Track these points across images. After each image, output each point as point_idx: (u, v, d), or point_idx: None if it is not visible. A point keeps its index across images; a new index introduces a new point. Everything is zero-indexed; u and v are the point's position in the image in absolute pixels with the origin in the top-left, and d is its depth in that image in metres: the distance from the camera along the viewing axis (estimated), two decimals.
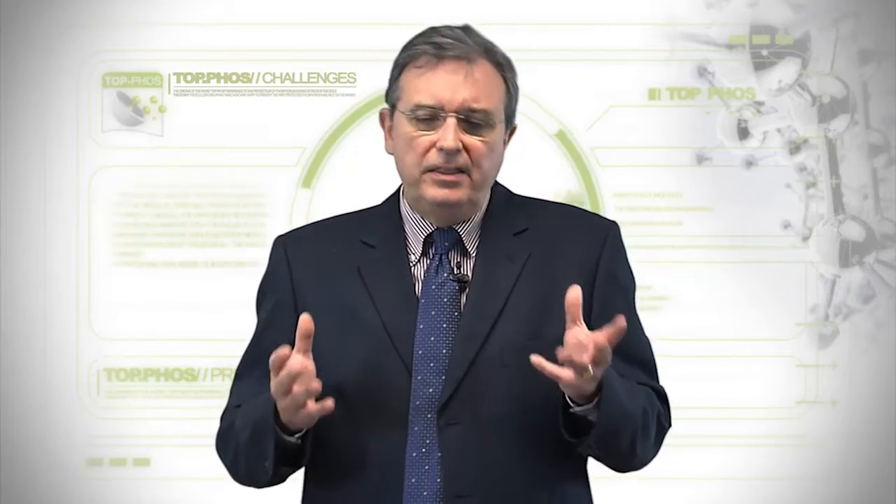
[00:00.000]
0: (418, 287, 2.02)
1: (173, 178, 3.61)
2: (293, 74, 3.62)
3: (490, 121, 2.01)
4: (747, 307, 3.59)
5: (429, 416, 1.96)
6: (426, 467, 1.96)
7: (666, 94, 3.62)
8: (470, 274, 2.03)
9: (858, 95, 3.61)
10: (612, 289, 2.05)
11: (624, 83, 3.61)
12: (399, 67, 2.05)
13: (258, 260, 3.51)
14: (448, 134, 1.98)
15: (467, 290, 2.02)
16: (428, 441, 1.96)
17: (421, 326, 1.99)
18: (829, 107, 3.62)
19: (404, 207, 2.09)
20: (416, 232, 2.07)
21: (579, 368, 1.84)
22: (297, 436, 1.95)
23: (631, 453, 1.98)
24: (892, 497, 3.56)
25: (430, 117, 2.00)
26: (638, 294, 2.14)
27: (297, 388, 1.87)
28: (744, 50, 3.62)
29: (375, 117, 2.14)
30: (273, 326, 2.08)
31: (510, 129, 2.09)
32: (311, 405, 1.88)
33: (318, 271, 2.07)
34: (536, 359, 1.85)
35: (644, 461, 2.04)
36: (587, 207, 3.57)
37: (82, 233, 3.58)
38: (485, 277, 2.02)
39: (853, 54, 3.61)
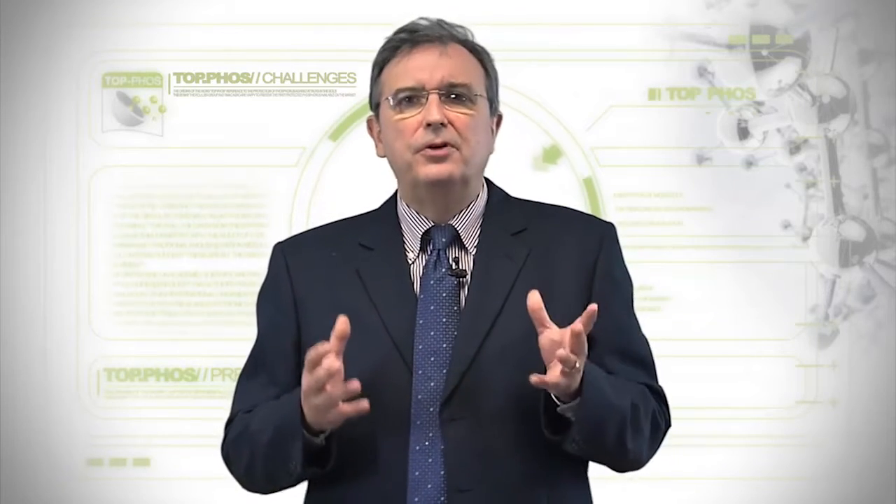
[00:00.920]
0: (417, 284, 2.04)
1: (173, 179, 3.61)
2: (293, 74, 3.62)
3: (471, 94, 2.04)
4: (747, 307, 3.59)
5: (431, 409, 1.97)
6: (430, 460, 1.97)
7: (666, 94, 3.62)
8: (469, 270, 2.04)
9: (858, 95, 3.61)
10: (609, 289, 2.06)
11: (624, 83, 3.61)
12: (378, 67, 2.10)
13: (258, 259, 3.54)
14: (432, 108, 2.01)
15: (466, 285, 2.03)
16: (431, 434, 1.97)
17: (420, 322, 2.00)
18: (829, 107, 3.62)
19: (401, 207, 2.11)
20: (413, 230, 2.08)
21: (566, 363, 1.84)
22: (321, 437, 1.95)
23: (620, 448, 1.98)
24: (892, 497, 3.56)
25: (413, 99, 2.03)
26: (638, 294, 2.14)
27: (331, 387, 1.87)
28: (744, 50, 3.62)
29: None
30: (274, 333, 2.09)
31: (496, 114, 2.12)
32: (345, 406, 1.89)
33: (317, 276, 2.08)
34: (536, 378, 1.87)
35: (640, 458, 2.03)
36: (586, 208, 3.57)
37: (82, 233, 3.58)
38: (484, 274, 2.04)
39: (853, 54, 3.61)
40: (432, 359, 1.98)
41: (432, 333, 1.99)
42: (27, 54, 3.57)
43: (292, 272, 2.10)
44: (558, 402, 1.93)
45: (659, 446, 2.07)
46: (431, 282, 2.03)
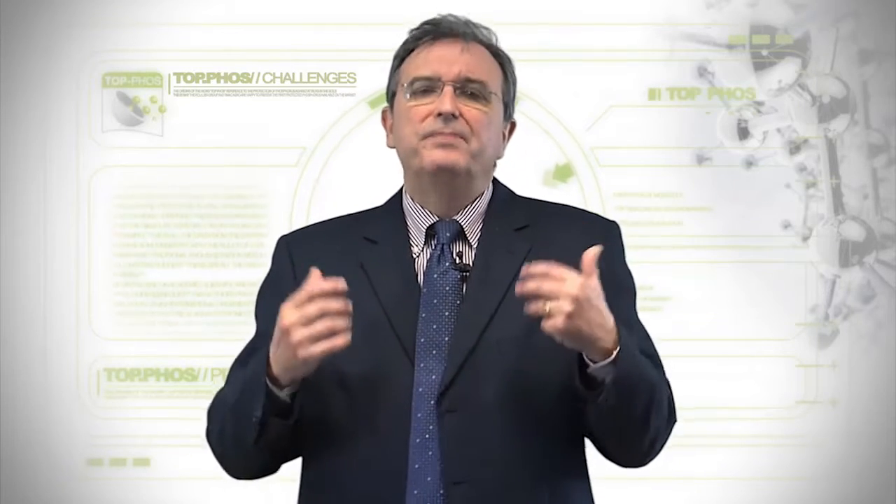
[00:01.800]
0: (421, 277, 2.04)
1: (173, 179, 3.61)
2: (293, 74, 3.62)
3: (486, 93, 2.05)
4: (747, 307, 3.59)
5: (431, 402, 1.97)
6: (429, 453, 1.96)
7: (666, 94, 3.62)
8: (471, 264, 2.05)
9: (858, 95, 3.61)
10: (612, 287, 2.05)
11: (624, 83, 3.61)
12: (399, 58, 2.11)
13: (258, 256, 3.54)
14: (445, 99, 2.02)
15: (468, 279, 2.03)
16: (431, 427, 1.97)
17: (423, 315, 2.00)
18: (829, 107, 3.62)
19: (406, 201, 2.11)
20: (418, 224, 2.09)
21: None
22: (287, 390, 1.94)
23: (645, 420, 1.96)
24: (892, 497, 3.56)
25: (428, 89, 2.04)
26: (638, 294, 2.14)
27: (331, 324, 1.86)
28: (744, 50, 3.62)
29: (375, 117, 2.15)
30: (273, 319, 2.07)
31: (509, 120, 2.13)
32: (320, 345, 1.86)
33: (321, 266, 2.06)
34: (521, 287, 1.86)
35: (654, 442, 2.02)
36: (587, 207, 3.57)
37: (82, 233, 3.58)
38: (485, 268, 2.04)
39: (853, 54, 3.61)
40: (434, 352, 1.99)
41: (434, 327, 1.99)
42: (27, 54, 3.56)
43: (296, 264, 2.09)
44: (590, 364, 1.91)
45: (668, 438, 2.06)
46: (435, 276, 2.03)
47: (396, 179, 2.15)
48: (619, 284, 2.08)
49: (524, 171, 3.43)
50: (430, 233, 2.08)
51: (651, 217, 3.62)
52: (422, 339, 1.99)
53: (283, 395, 1.95)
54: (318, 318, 1.86)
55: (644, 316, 2.12)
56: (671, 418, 2.05)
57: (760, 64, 3.63)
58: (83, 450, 3.58)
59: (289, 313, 1.88)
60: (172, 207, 3.62)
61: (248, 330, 2.14)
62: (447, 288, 2.02)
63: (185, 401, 3.57)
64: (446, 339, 1.99)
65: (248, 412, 1.94)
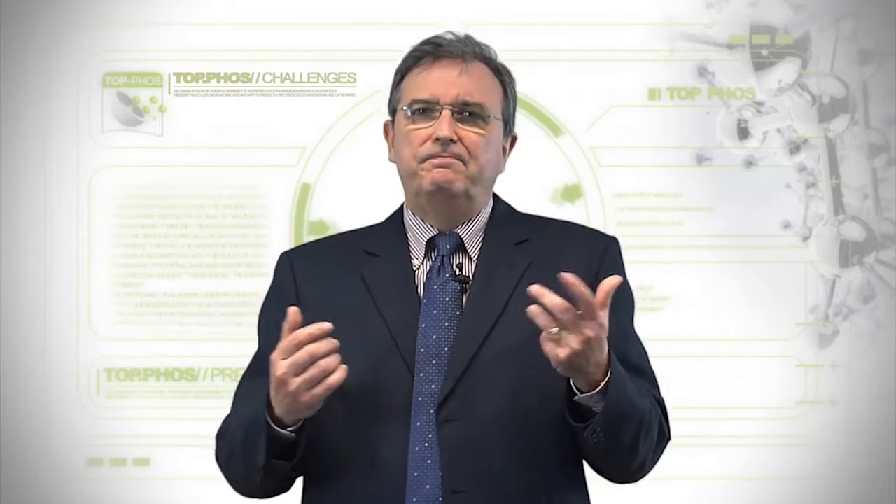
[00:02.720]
0: (421, 288, 2.05)
1: (174, 179, 3.61)
2: (293, 74, 3.62)
3: (485, 115, 2.06)
4: (747, 307, 3.59)
5: (430, 411, 1.98)
6: (428, 461, 1.97)
7: (666, 94, 3.62)
8: (471, 276, 2.05)
9: (858, 95, 3.61)
10: (612, 301, 2.05)
11: (624, 83, 3.61)
12: (400, 74, 2.12)
13: (258, 255, 3.54)
14: (443, 124, 2.03)
15: (468, 291, 2.04)
16: (430, 436, 1.97)
17: (423, 325, 2.01)
18: (829, 107, 3.62)
19: (407, 215, 2.13)
20: (418, 237, 2.10)
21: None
22: (291, 429, 1.95)
23: (633, 449, 1.98)
24: (893, 497, 3.56)
25: (426, 112, 2.06)
26: (638, 294, 2.15)
27: (325, 365, 1.86)
28: (744, 50, 3.62)
29: (375, 117, 2.15)
30: (276, 333, 2.06)
31: (510, 135, 2.14)
32: (320, 386, 1.87)
33: (322, 283, 2.10)
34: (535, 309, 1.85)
35: (644, 464, 2.04)
36: (586, 206, 3.58)
37: (82, 233, 3.58)
38: (486, 280, 2.05)
39: (853, 54, 3.61)
40: (433, 362, 2.00)
41: (434, 337, 2.01)
42: (27, 54, 3.57)
43: (298, 278, 2.11)
44: (577, 393, 1.93)
45: (659, 457, 2.07)
46: (435, 287, 2.04)
47: (397, 180, 2.15)
48: (618, 299, 2.07)
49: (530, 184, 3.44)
50: (431, 245, 2.09)
51: (651, 217, 3.62)
52: (421, 349, 2.00)
53: (288, 433, 1.95)
54: (309, 364, 1.86)
55: (644, 316, 2.13)
56: (662, 440, 2.06)
57: (760, 64, 3.63)
58: (83, 450, 3.58)
59: (280, 365, 1.88)
60: (173, 208, 3.62)
61: (248, 323, 2.13)
62: (447, 299, 2.03)
63: (185, 401, 3.58)
64: (446, 349, 2.00)
65: (252, 455, 1.95)
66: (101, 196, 3.60)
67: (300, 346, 1.87)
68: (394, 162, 2.13)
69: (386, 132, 2.16)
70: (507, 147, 2.14)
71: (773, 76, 3.62)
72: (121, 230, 3.61)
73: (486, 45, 2.12)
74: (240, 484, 2.06)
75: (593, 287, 2.01)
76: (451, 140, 2.02)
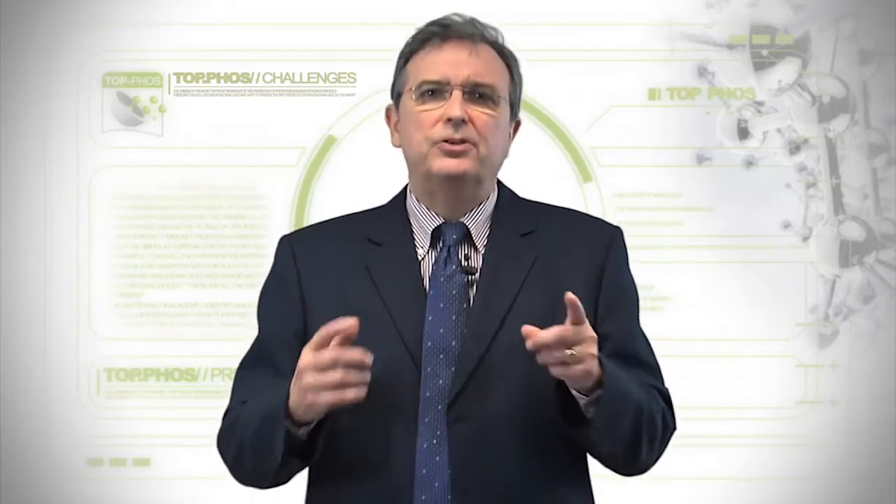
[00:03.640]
0: (426, 280, 2.03)
1: (174, 179, 3.61)
2: (293, 74, 3.62)
3: (495, 96, 2.04)
4: (747, 307, 3.59)
5: (439, 407, 1.97)
6: (437, 458, 1.96)
7: (666, 94, 3.62)
8: (478, 268, 2.04)
9: (858, 95, 3.61)
10: (616, 294, 2.07)
11: (624, 83, 3.61)
12: (404, 57, 2.09)
13: (257, 257, 3.54)
14: (455, 104, 2.01)
15: (475, 283, 2.02)
16: (438, 433, 1.96)
17: (430, 318, 1.99)
18: (829, 107, 3.62)
19: (411, 202, 2.10)
20: (423, 226, 2.07)
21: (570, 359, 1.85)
22: (304, 430, 1.93)
23: (635, 444, 1.98)
24: (893, 497, 3.56)
25: (436, 93, 2.03)
26: (639, 294, 2.14)
27: (344, 375, 1.84)
28: (744, 50, 3.62)
29: (374, 117, 2.15)
30: (278, 323, 2.08)
31: (514, 120, 2.12)
32: (333, 394, 1.85)
33: (325, 270, 2.07)
34: (540, 359, 1.86)
35: (649, 457, 2.03)
36: (587, 207, 3.58)
37: (82, 233, 3.58)
38: (493, 273, 2.03)
39: (853, 54, 3.61)
40: (441, 356, 1.98)
41: (441, 331, 1.99)
42: (27, 54, 3.56)
43: (299, 263, 2.08)
44: (577, 397, 1.92)
45: (665, 448, 2.07)
46: (441, 279, 2.02)
47: (397, 179, 2.15)
48: (622, 290, 2.08)
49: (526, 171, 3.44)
50: (436, 234, 2.07)
51: (651, 217, 3.62)
52: (428, 343, 1.98)
53: (301, 433, 1.93)
54: (330, 367, 1.84)
55: (644, 316, 2.12)
56: (667, 430, 2.05)
57: (760, 64, 3.63)
58: (83, 450, 3.58)
59: (305, 355, 1.87)
60: (173, 208, 3.62)
61: (248, 324, 2.13)
62: (454, 291, 2.01)
63: (185, 401, 3.57)
64: (454, 343, 1.98)
65: (268, 447, 1.93)
66: (101, 196, 3.60)
67: (327, 343, 1.84)
68: (398, 147, 2.10)
69: (388, 117, 2.13)
70: (512, 132, 2.12)
71: (773, 76, 3.62)
72: (121, 230, 3.60)
73: (494, 29, 2.10)
74: (247, 475, 2.04)
75: (600, 278, 2.03)
76: (463, 121, 2.00)
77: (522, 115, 2.16)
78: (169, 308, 3.60)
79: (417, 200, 2.09)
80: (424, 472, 1.96)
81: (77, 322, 3.58)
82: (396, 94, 2.10)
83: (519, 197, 2.15)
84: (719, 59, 3.62)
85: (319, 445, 1.95)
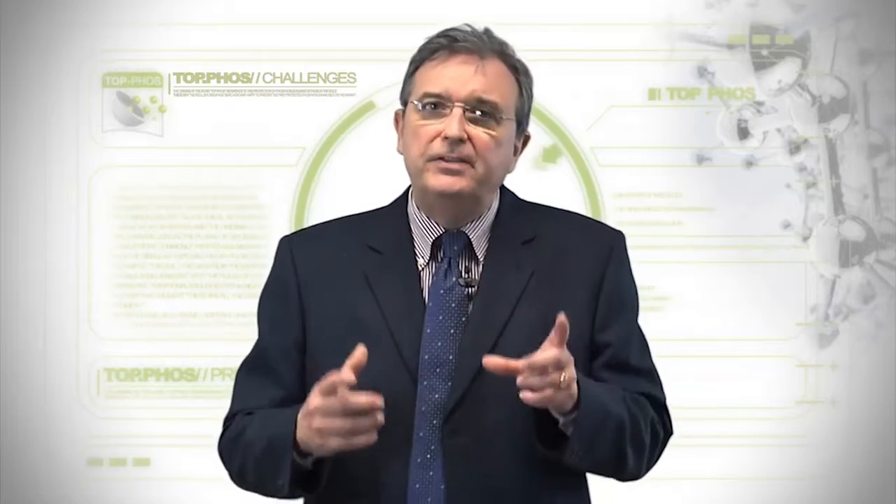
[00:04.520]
0: (426, 291, 2.01)
1: (174, 179, 3.61)
2: (293, 74, 3.62)
3: (498, 115, 2.00)
4: (747, 307, 3.59)
5: (434, 422, 1.95)
6: (430, 473, 1.95)
7: (666, 94, 3.62)
8: (477, 279, 2.02)
9: (858, 95, 3.61)
10: (616, 301, 2.06)
11: (624, 83, 3.61)
12: (414, 64, 2.06)
13: (256, 256, 3.54)
14: (453, 123, 1.97)
15: (474, 297, 2.00)
16: (433, 447, 1.95)
17: (428, 331, 1.98)
18: (829, 107, 3.62)
19: (412, 209, 2.08)
20: (424, 235, 2.05)
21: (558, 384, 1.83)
22: (309, 459, 1.92)
23: (620, 457, 1.96)
24: (893, 497, 3.56)
25: (438, 107, 2.00)
26: (639, 294, 2.14)
27: (353, 424, 1.83)
28: (744, 50, 3.62)
29: (374, 117, 2.14)
30: (278, 330, 2.07)
31: (522, 135, 2.09)
32: (340, 440, 1.84)
33: (324, 276, 2.05)
34: (527, 397, 1.83)
35: (639, 468, 2.02)
36: (587, 207, 3.58)
37: (82, 233, 3.58)
38: (492, 285, 2.01)
39: (853, 54, 3.61)
40: (438, 370, 1.96)
41: (439, 344, 1.97)
42: (27, 54, 3.56)
43: (299, 271, 2.07)
44: (558, 419, 1.91)
45: (660, 455, 2.06)
46: (441, 291, 2.00)
47: (397, 179, 2.14)
48: (621, 299, 2.07)
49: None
50: (437, 244, 2.04)
51: (651, 217, 3.62)
52: (426, 357, 1.96)
53: (307, 462, 1.92)
54: (339, 414, 1.82)
55: (644, 316, 2.12)
56: (656, 439, 2.03)
57: (760, 64, 3.63)
58: (83, 450, 3.58)
59: (314, 398, 1.85)
60: (173, 208, 3.61)
61: (248, 324, 2.13)
62: (453, 304, 1.99)
63: (185, 401, 3.57)
64: (451, 357, 1.96)
65: (273, 472, 1.92)
66: (101, 196, 3.59)
67: (334, 391, 1.82)
68: (401, 153, 2.07)
69: (396, 122, 2.09)
70: (520, 146, 2.08)
71: (773, 76, 3.62)
72: (121, 230, 3.60)
73: (505, 42, 2.05)
74: (249, 488, 2.03)
75: (601, 286, 2.02)
76: (461, 140, 1.96)
77: None
78: (169, 318, 3.60)
79: (418, 208, 2.07)
80: (417, 486, 1.95)
81: (77, 322, 3.57)
82: (403, 101, 2.07)
83: (521, 200, 2.13)
84: (719, 59, 3.62)
85: (324, 477, 1.94)
